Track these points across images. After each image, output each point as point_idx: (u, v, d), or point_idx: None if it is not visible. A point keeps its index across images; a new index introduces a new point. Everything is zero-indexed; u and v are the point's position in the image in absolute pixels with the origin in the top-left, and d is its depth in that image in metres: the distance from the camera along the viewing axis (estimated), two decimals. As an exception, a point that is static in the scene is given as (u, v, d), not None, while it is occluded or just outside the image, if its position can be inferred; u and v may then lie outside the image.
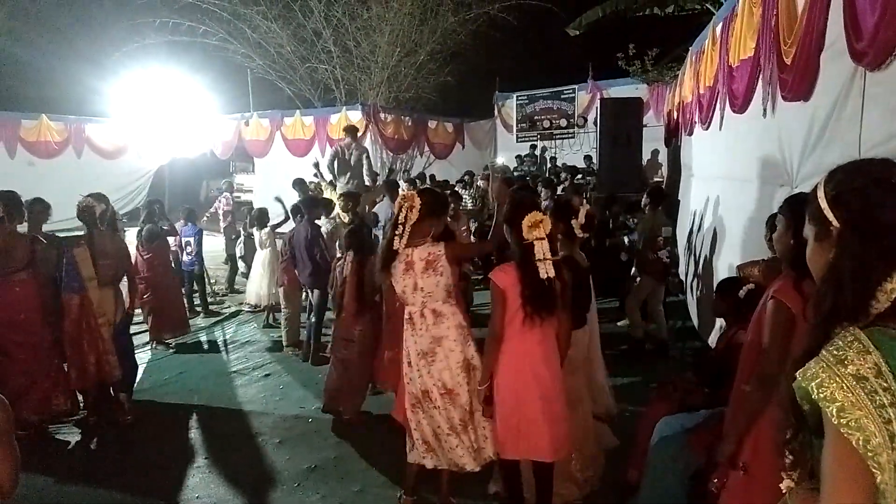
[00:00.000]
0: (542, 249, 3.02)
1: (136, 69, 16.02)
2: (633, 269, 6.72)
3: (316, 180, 10.88)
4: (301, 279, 6.39)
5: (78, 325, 4.67)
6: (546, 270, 3.01)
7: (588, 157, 13.67)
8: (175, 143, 16.56)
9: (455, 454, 3.32)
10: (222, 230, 10.73)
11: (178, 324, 6.97)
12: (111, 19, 16.72)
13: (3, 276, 4.41)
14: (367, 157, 9.74)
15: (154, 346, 6.80)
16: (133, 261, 6.16)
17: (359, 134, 10.78)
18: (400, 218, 3.33)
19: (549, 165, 14.65)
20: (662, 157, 13.10)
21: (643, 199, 6.53)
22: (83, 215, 4.75)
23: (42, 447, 4.52)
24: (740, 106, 4.90)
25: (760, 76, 4.31)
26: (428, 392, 3.34)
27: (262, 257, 7.71)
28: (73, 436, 4.76)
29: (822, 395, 1.12)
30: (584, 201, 7.77)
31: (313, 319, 6.29)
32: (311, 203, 6.59)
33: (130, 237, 7.84)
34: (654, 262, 6.16)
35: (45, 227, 5.20)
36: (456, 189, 11.10)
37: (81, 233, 4.85)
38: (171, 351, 6.76)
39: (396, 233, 3.33)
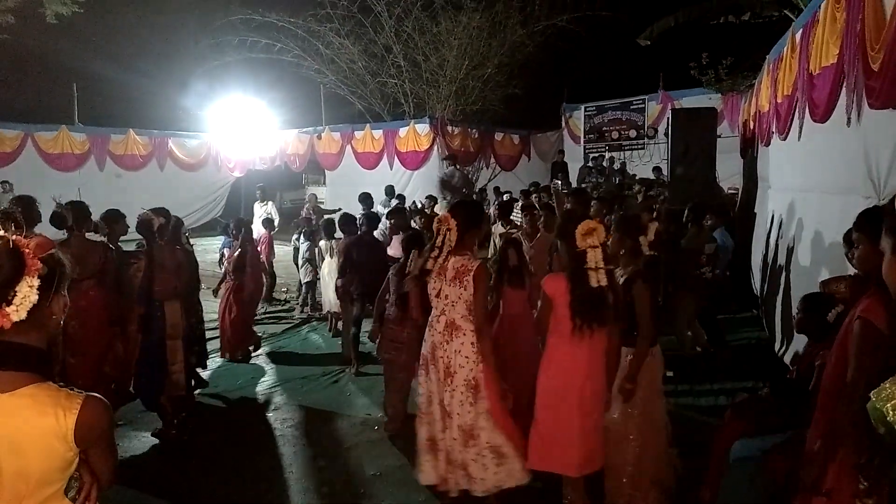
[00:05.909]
0: (594, 258, 3.05)
1: (216, 86, 16.81)
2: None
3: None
4: (353, 289, 6.17)
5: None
6: (598, 279, 3.04)
7: (657, 169, 13.35)
8: (251, 155, 17.22)
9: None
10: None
11: (246, 341, 6.93)
12: (194, 39, 17.58)
13: (76, 282, 4.60)
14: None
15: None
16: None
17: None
18: (438, 241, 3.41)
19: (617, 178, 14.37)
20: (737, 168, 12.66)
21: (685, 214, 6.33)
22: (141, 229, 4.68)
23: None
24: (822, 115, 4.70)
25: (844, 84, 4.13)
26: (430, 402, 3.51)
27: (329, 266, 7.83)
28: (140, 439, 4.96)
29: None
30: (654, 216, 7.47)
31: (353, 331, 6.25)
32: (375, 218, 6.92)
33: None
34: (696, 277, 5.98)
35: (127, 237, 5.39)
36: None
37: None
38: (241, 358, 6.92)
39: (432, 255, 3.43)
